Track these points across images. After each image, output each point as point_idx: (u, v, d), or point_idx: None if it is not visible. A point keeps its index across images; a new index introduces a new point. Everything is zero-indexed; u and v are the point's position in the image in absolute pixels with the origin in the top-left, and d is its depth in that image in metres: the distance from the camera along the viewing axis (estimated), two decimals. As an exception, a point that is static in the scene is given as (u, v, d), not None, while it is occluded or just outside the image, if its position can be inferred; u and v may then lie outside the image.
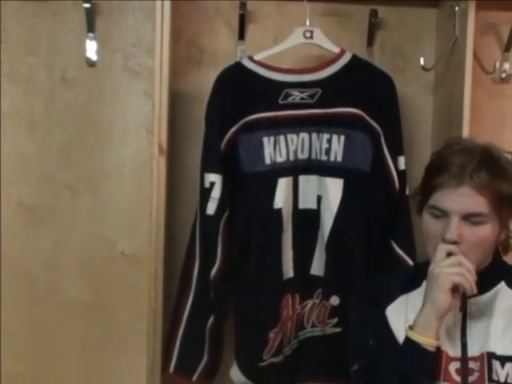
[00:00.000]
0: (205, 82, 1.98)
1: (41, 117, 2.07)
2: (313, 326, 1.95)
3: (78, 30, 2.05)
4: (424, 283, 1.51)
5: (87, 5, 2.00)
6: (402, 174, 1.94)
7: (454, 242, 1.40)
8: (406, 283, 1.56)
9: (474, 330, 1.46)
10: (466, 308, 1.47)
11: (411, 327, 1.41)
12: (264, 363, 1.91)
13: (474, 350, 1.45)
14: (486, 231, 1.43)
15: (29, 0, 2.03)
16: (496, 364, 1.43)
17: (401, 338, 1.47)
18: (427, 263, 1.54)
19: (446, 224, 1.42)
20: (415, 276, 1.57)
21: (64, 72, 2.07)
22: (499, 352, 1.43)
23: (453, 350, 1.46)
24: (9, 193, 2.06)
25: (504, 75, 2.12)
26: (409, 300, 1.53)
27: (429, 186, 1.47)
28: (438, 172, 1.45)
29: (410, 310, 1.50)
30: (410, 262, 1.90)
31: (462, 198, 1.40)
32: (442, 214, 1.43)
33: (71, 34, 2.06)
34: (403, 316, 1.51)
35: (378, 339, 1.50)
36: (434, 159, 1.52)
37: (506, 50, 2.10)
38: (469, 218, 1.41)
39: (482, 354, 1.44)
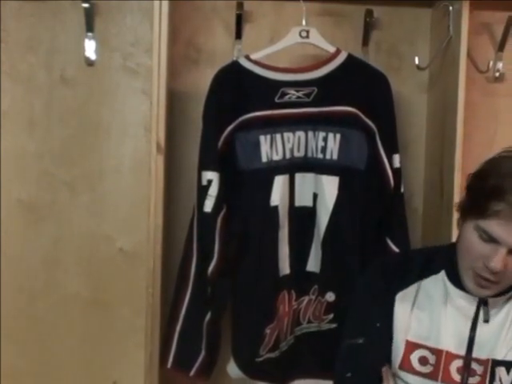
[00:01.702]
0: (202, 80, 1.98)
1: (40, 115, 2.08)
2: (309, 321, 1.96)
3: (77, 29, 2.05)
4: (442, 273, 1.50)
5: (86, 5, 2.00)
6: (396, 172, 1.94)
7: (495, 272, 1.37)
8: (422, 268, 1.52)
9: (485, 331, 1.44)
10: (479, 308, 1.45)
11: None
12: (261, 358, 1.92)
13: (480, 352, 1.43)
14: None
15: (28, 0, 2.04)
16: (500, 371, 1.42)
17: (401, 327, 1.48)
18: (448, 248, 1.51)
19: (492, 251, 1.35)
20: (432, 260, 1.53)
21: (63, 71, 2.08)
22: (507, 358, 1.42)
23: (458, 348, 1.44)
24: (8, 190, 2.07)
25: (497, 74, 2.13)
26: (421, 287, 1.50)
27: (483, 207, 1.36)
28: (494, 196, 1.34)
29: (421, 296, 1.49)
30: (404, 258, 1.91)
31: None
32: (491, 240, 1.36)
33: (70, 34, 2.07)
34: (411, 302, 1.49)
35: (383, 325, 1.49)
36: (491, 177, 1.38)
37: (500, 49, 2.11)
38: None
39: (488, 360, 1.43)
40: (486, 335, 1.44)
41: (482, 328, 1.45)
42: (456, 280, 1.47)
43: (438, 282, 1.50)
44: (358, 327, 1.53)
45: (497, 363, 1.42)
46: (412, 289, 1.50)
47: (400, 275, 1.53)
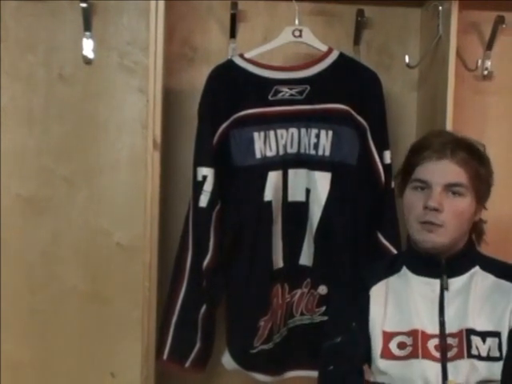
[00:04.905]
0: (197, 78, 2.01)
1: (39, 112, 2.10)
2: (302, 314, 1.99)
3: (76, 28, 2.07)
4: (403, 268, 1.60)
5: (84, 4, 2.02)
6: (387, 168, 1.96)
7: (435, 210, 1.48)
8: (388, 268, 1.63)
9: (452, 309, 1.52)
10: (443, 289, 1.53)
11: None
12: (255, 350, 1.94)
13: (452, 327, 1.51)
14: (465, 203, 1.51)
15: (28, 0, 2.06)
16: (476, 339, 1.49)
17: (377, 320, 1.55)
18: (407, 251, 1.63)
19: (427, 195, 1.50)
20: (395, 262, 1.64)
21: (61, 69, 2.10)
22: (479, 328, 1.49)
23: (431, 328, 1.52)
24: (8, 185, 2.09)
25: (486, 72, 2.16)
26: (389, 285, 1.59)
27: (411, 163, 1.55)
28: (420, 150, 1.54)
29: (390, 294, 1.58)
30: (395, 252, 1.93)
31: (443, 169, 1.50)
32: (425, 186, 1.51)
33: (69, 33, 2.09)
34: (383, 296, 1.58)
35: (359, 323, 1.57)
36: (416, 142, 1.62)
37: (488, 48, 2.14)
38: (449, 188, 1.50)
39: (461, 331, 1.50)
40: (455, 313, 1.52)
41: (449, 311, 1.53)
42: (416, 269, 1.57)
43: (401, 278, 1.60)
44: (335, 328, 1.62)
45: (470, 332, 1.50)
46: (382, 285, 1.60)
47: (371, 272, 1.65)
